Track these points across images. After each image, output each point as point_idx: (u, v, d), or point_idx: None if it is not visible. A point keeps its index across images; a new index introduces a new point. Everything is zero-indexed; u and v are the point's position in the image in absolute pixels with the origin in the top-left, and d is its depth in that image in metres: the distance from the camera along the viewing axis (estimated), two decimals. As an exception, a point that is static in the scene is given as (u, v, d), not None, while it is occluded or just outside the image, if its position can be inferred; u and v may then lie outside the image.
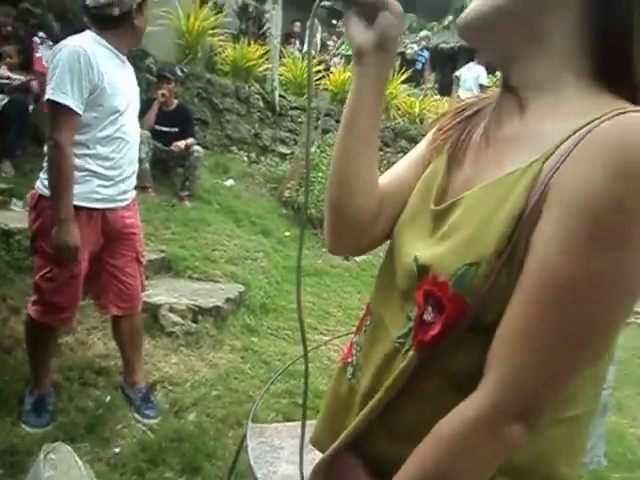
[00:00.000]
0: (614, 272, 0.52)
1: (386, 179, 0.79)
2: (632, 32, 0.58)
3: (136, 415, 2.31)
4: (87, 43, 1.93)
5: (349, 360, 0.78)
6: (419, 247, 0.66)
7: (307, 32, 0.75)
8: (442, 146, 0.74)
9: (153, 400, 2.38)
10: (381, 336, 0.71)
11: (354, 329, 0.82)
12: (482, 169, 0.65)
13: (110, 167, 2.03)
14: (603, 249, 0.52)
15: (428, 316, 0.61)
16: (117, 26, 2.00)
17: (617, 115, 0.53)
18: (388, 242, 0.78)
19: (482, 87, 7.72)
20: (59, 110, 1.86)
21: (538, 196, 0.54)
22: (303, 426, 0.86)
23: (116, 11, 1.96)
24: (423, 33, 9.98)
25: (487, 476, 0.58)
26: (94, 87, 1.91)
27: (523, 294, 0.55)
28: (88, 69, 1.89)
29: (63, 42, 1.93)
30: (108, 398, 2.35)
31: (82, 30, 2.01)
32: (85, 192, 1.97)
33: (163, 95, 4.66)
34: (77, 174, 1.94)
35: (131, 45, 2.13)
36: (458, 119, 0.75)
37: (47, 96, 1.88)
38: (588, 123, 0.54)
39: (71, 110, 1.87)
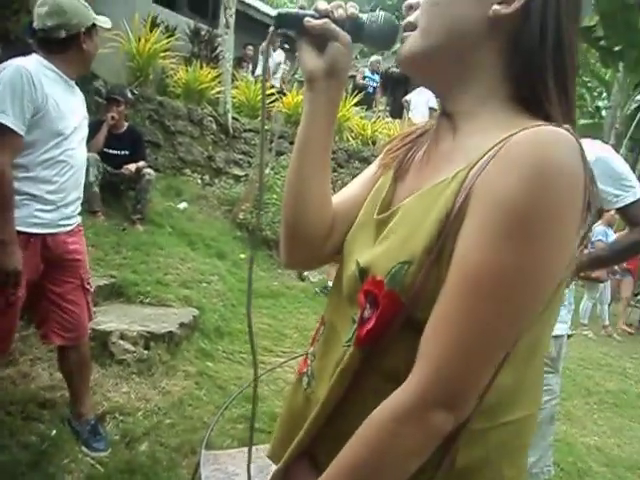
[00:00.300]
0: (526, 265, 0.57)
1: (339, 198, 0.83)
2: (545, 68, 0.66)
3: (84, 449, 2.20)
4: (31, 64, 1.89)
5: (304, 371, 0.81)
6: (363, 254, 0.71)
7: (261, 57, 0.81)
8: (390, 164, 0.80)
9: (102, 432, 2.29)
10: (334, 343, 0.75)
11: (309, 351, 0.84)
12: (421, 182, 0.70)
13: (52, 191, 1.97)
14: (517, 245, 0.57)
15: (367, 313, 0.66)
16: (65, 50, 1.96)
17: (530, 129, 0.59)
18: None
19: (432, 110, 7.96)
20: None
21: (463, 199, 0.60)
22: (250, 450, 0.85)
23: (62, 34, 1.92)
24: (374, 58, 10.25)
25: (417, 464, 0.61)
26: (37, 108, 1.86)
27: (447, 288, 0.60)
28: (31, 89, 1.83)
29: (6, 63, 1.87)
30: (54, 432, 2.23)
31: (25, 53, 1.96)
32: (23, 216, 1.90)
33: (113, 118, 4.57)
34: (15, 197, 1.86)
35: (80, 70, 2.09)
36: (407, 141, 0.81)
37: None
38: (507, 137, 0.60)
39: (11, 131, 1.80)
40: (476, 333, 0.59)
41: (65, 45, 1.95)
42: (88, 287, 2.22)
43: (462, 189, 0.61)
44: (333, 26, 0.72)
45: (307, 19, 0.72)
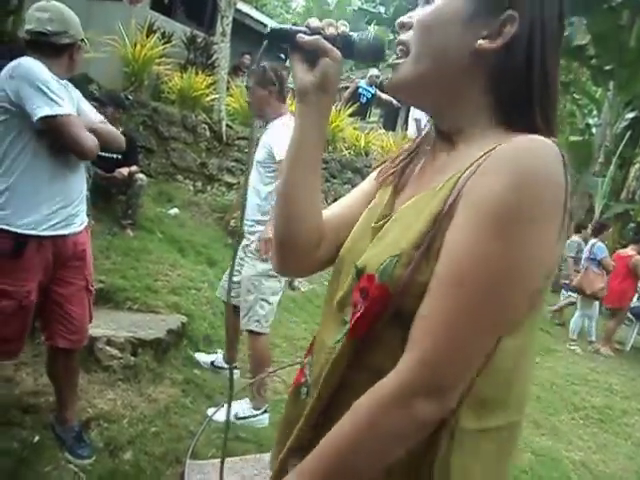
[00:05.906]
0: (506, 258, 0.61)
1: (332, 211, 0.87)
2: (531, 97, 0.70)
3: (67, 455, 2.18)
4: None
5: (302, 381, 0.82)
6: (360, 258, 0.74)
7: (255, 65, 0.92)
8: (387, 180, 0.84)
9: (86, 439, 2.26)
10: (320, 351, 0.77)
11: (297, 360, 0.85)
12: (416, 192, 0.75)
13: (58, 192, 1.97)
14: (500, 242, 0.60)
15: (359, 307, 0.69)
16: (59, 55, 1.99)
17: (513, 139, 0.64)
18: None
19: (418, 121, 7.84)
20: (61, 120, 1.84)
21: (452, 200, 0.65)
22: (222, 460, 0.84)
23: (65, 40, 1.96)
24: (373, 72, 10.22)
25: (399, 450, 0.63)
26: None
27: (435, 278, 0.63)
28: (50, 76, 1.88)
29: (16, 61, 1.88)
30: (36, 438, 2.20)
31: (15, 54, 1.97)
32: (34, 221, 1.91)
33: (97, 118, 4.54)
34: (25, 201, 1.88)
35: (64, 76, 2.09)
36: (400, 161, 0.85)
37: (42, 114, 1.81)
38: (494, 147, 0.65)
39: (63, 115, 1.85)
40: (461, 320, 0.61)
41: (61, 51, 1.98)
42: (91, 289, 2.20)
43: (452, 192, 0.65)
44: (324, 42, 0.75)
45: (300, 35, 0.75)
